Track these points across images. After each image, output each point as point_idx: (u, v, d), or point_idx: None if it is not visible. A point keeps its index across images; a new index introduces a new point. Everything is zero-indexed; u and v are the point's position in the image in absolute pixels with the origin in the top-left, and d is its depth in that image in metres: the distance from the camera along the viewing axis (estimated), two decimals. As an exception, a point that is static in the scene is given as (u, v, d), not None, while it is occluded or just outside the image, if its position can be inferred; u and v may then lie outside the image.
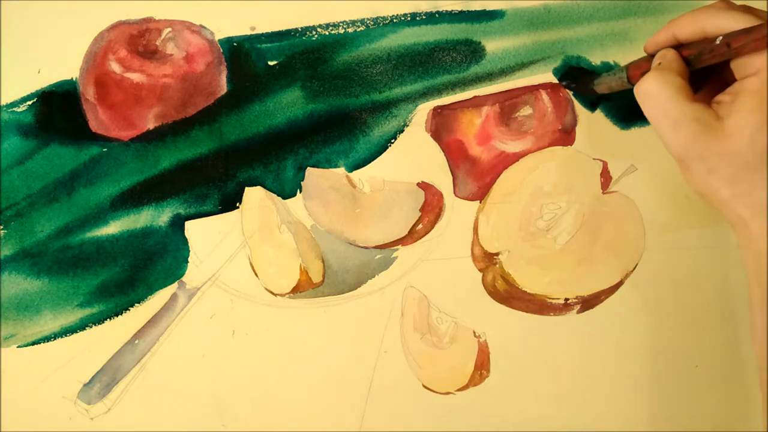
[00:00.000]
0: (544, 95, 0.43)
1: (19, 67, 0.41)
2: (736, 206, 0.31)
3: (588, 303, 0.43)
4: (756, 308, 0.33)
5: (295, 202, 0.43)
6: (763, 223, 0.31)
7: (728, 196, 0.31)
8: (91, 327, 0.43)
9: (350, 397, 0.44)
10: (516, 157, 0.43)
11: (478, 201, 0.43)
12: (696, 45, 0.32)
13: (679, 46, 0.33)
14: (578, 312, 0.43)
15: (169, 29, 0.42)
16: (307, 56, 0.42)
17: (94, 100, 0.42)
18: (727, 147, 0.30)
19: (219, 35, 0.42)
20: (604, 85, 0.39)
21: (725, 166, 0.31)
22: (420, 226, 0.43)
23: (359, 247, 0.43)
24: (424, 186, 0.43)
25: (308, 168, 0.43)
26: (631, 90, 0.34)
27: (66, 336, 0.43)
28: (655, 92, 0.31)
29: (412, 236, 0.43)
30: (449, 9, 0.42)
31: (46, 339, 0.43)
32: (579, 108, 0.43)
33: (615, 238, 0.43)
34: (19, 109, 0.42)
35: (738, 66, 0.32)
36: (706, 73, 0.34)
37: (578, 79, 0.42)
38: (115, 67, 0.41)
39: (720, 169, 0.31)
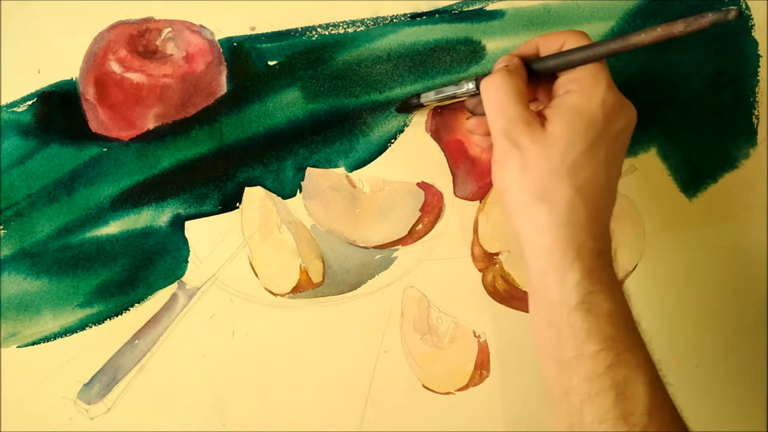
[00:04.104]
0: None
1: (19, 67, 0.41)
2: (530, 214, 0.32)
3: (588, 303, 0.43)
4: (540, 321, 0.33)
5: (295, 202, 0.43)
6: (547, 238, 0.32)
7: (527, 200, 0.32)
8: (91, 327, 0.43)
9: (350, 397, 0.44)
10: (516, 157, 0.43)
11: (478, 201, 0.43)
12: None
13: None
14: (578, 312, 0.43)
15: (169, 29, 0.42)
16: (307, 56, 0.42)
17: (94, 100, 0.42)
18: (543, 150, 0.32)
19: (219, 35, 0.42)
20: (442, 95, 0.39)
21: (537, 167, 0.32)
22: (420, 226, 0.43)
23: (359, 247, 0.43)
24: (424, 186, 0.43)
25: (308, 168, 0.43)
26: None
27: (66, 336, 0.43)
28: (501, 89, 0.33)
29: (412, 236, 0.43)
30: (449, 9, 0.42)
31: (46, 339, 0.43)
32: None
33: (615, 238, 0.43)
34: (19, 109, 0.42)
35: (562, 83, 0.34)
36: (536, 88, 0.36)
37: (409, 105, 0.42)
38: (115, 67, 0.41)
39: (532, 169, 0.32)
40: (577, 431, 0.31)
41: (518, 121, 0.32)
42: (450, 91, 0.38)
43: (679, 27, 0.30)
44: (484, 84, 0.34)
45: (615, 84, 0.33)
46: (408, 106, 0.42)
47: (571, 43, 0.34)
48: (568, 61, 0.33)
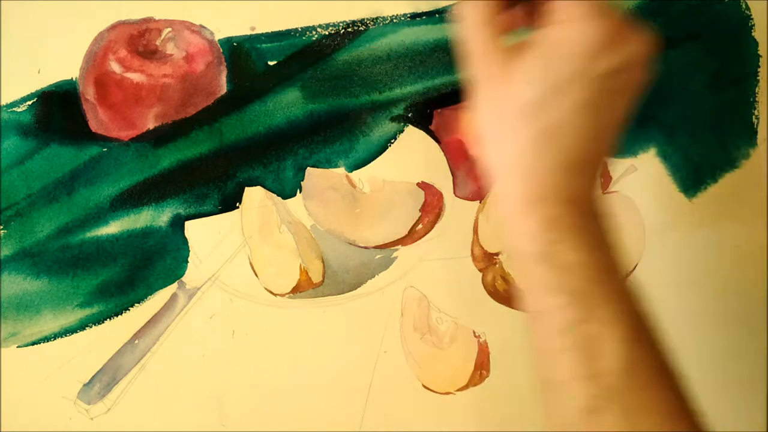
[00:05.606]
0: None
1: (19, 67, 0.41)
2: (493, 155, 0.31)
3: (588, 303, 0.43)
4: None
5: (295, 202, 0.43)
6: (509, 184, 0.30)
7: (495, 138, 0.30)
8: (91, 327, 0.43)
9: (350, 397, 0.44)
10: (516, 157, 0.43)
11: (478, 201, 0.43)
12: None
13: None
14: (578, 312, 0.43)
15: (169, 29, 0.42)
16: (307, 56, 0.42)
17: (94, 100, 0.42)
18: (505, 86, 0.29)
19: (219, 35, 0.42)
20: None
21: (494, 108, 0.30)
22: (420, 226, 0.43)
23: (359, 247, 0.43)
24: (424, 186, 0.43)
25: (308, 168, 0.43)
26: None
27: (66, 336, 0.43)
28: (467, 19, 0.31)
29: (412, 236, 0.43)
30: (449, 9, 0.42)
31: (46, 339, 0.43)
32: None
33: (615, 238, 0.43)
34: (19, 109, 0.42)
35: (555, 8, 0.29)
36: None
37: None
38: (115, 67, 0.41)
39: (493, 110, 0.30)
40: (549, 389, 0.29)
41: (482, 55, 0.30)
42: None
43: None
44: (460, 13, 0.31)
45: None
46: None
47: None
48: None
